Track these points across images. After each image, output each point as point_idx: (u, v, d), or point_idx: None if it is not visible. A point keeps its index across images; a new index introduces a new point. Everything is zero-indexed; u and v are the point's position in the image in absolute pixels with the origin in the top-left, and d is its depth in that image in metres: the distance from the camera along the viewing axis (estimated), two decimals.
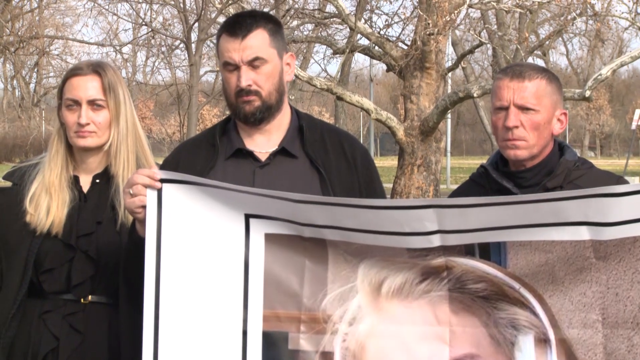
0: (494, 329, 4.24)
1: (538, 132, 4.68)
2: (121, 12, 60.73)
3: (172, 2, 49.69)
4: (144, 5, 55.05)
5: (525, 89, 4.69)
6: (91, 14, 62.04)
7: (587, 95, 24.85)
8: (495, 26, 31.19)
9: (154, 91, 68.26)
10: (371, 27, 30.61)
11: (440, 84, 27.45)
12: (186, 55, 56.95)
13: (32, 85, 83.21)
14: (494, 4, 27.51)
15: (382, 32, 29.27)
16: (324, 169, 4.81)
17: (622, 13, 31.77)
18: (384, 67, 28.85)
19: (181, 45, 56.09)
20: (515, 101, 4.67)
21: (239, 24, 4.84)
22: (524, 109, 4.66)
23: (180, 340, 4.39)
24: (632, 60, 28.82)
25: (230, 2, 31.68)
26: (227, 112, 5.02)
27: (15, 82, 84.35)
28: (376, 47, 28.22)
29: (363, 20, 31.17)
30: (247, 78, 4.76)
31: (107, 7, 56.40)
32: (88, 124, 4.80)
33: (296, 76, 22.46)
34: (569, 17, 29.51)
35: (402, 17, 31.96)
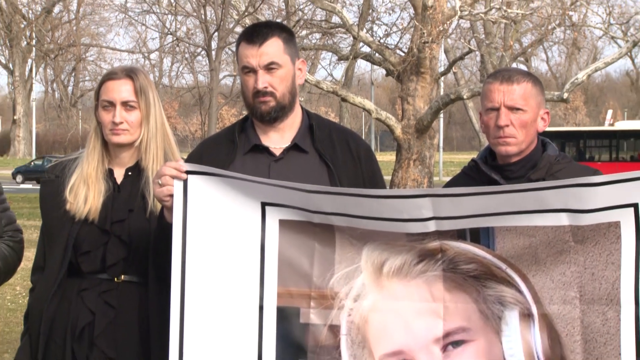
0: (483, 305, 4.25)
1: (526, 129, 4.70)
2: (149, 23, 61.21)
3: (195, 14, 49.78)
4: (169, 16, 55.37)
5: (514, 91, 4.69)
6: (122, 24, 62.35)
7: (565, 97, 24.97)
8: (483, 35, 31.19)
9: (178, 93, 68.41)
10: (372, 36, 30.68)
11: (434, 87, 27.50)
12: (207, 61, 57.20)
13: (70, 88, 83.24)
14: (482, 15, 27.53)
15: (382, 41, 29.36)
16: (331, 163, 4.81)
17: (597, 24, 31.91)
18: (384, 72, 28.83)
19: (202, 52, 56.30)
20: (506, 102, 4.67)
21: (257, 33, 4.84)
22: (513, 109, 4.67)
23: (204, 315, 4.40)
24: (605, 65, 28.98)
25: (246, 14, 31.73)
26: (245, 112, 5.02)
27: (55, 85, 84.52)
28: (377, 54, 28.24)
29: (365, 30, 31.28)
30: (263, 81, 4.76)
31: (136, 18, 56.84)
32: (122, 122, 4.82)
33: (305, 80, 22.44)
34: (549, 27, 29.55)
35: (400, 27, 32.08)
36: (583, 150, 47.54)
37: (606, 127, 53.45)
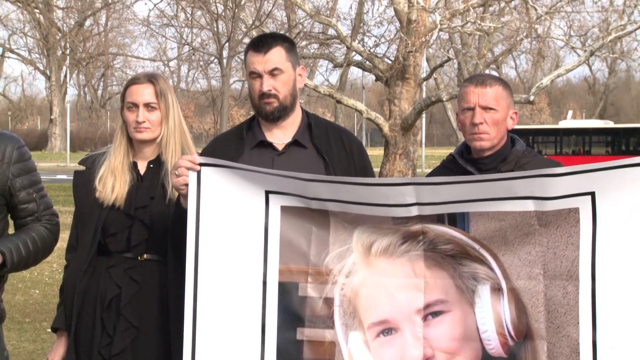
0: (459, 280, 4.26)
1: (497, 127, 4.71)
2: (168, 35, 60.99)
3: (208, 27, 49.55)
4: (186, 29, 55.23)
5: (487, 93, 4.70)
6: (145, 36, 62.15)
7: (531, 100, 24.95)
8: (460, 45, 31.16)
9: (193, 96, 68.45)
10: (363, 46, 30.55)
11: (417, 91, 27.46)
12: (219, 68, 56.92)
13: (99, 92, 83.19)
14: (459, 28, 27.49)
15: (371, 50, 29.24)
16: (327, 157, 4.83)
17: (559, 36, 31.74)
18: (373, 77, 28.82)
19: (215, 60, 56.04)
20: (480, 103, 4.68)
21: (262, 42, 4.87)
22: (486, 109, 4.68)
23: (214, 289, 4.40)
24: (566, 72, 29.03)
25: (253, 27, 31.70)
26: (252, 112, 5.03)
27: (86, 89, 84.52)
28: (367, 62, 28.18)
29: (357, 41, 31.17)
30: (267, 84, 4.78)
31: (157, 30, 56.59)
32: (144, 121, 4.83)
33: (305, 85, 22.44)
34: (518, 39, 29.46)
35: (387, 38, 31.94)
36: (532, 145, 47.68)
37: (551, 126, 53.97)
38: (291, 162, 4.76)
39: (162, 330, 4.73)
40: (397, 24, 27.25)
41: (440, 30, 26.44)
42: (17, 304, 13.01)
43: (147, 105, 4.85)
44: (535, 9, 28.11)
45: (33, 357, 9.73)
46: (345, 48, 29.73)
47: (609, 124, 55.67)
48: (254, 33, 27.23)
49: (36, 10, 46.13)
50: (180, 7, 47.06)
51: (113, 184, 4.83)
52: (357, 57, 29.36)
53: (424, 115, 29.90)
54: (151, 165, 4.92)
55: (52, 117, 72.25)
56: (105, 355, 4.75)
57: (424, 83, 28.69)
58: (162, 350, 4.70)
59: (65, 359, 4.86)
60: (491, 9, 27.99)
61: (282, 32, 28.99)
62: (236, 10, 35.52)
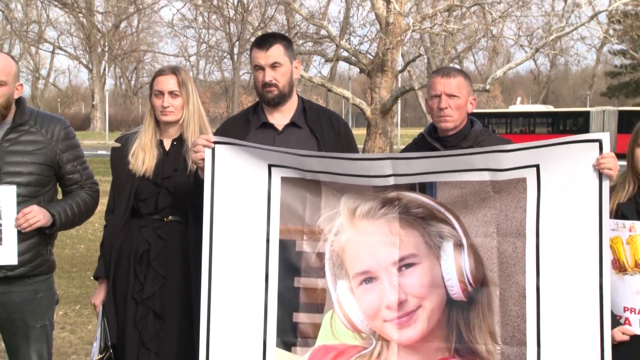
0: (428, 238, 4.26)
1: (459, 111, 4.69)
2: (189, 35, 60.85)
3: (222, 28, 49.48)
4: (203, 30, 55.10)
5: (451, 83, 4.69)
6: (170, 35, 61.94)
7: (487, 88, 25.02)
8: (429, 43, 31.09)
9: (209, 86, 68.31)
10: (349, 44, 30.49)
11: (394, 81, 27.40)
12: (230, 63, 56.95)
13: (132, 82, 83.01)
14: (428, 29, 27.46)
15: (356, 48, 29.17)
16: (319, 136, 4.82)
17: (510, 35, 31.70)
18: (358, 70, 28.72)
19: (227, 56, 56.14)
20: (445, 91, 4.67)
21: (264, 41, 4.86)
22: (450, 96, 4.66)
23: (226, 244, 4.39)
24: (516, 65, 29.12)
25: (259, 28, 31.60)
26: (257, 99, 5.00)
27: (121, 80, 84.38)
28: (353, 57, 28.09)
29: (344, 40, 31.07)
30: (269, 76, 4.77)
31: (180, 31, 56.32)
32: (169, 106, 4.82)
33: (301, 76, 22.39)
34: (476, 38, 29.43)
35: (369, 38, 31.92)
36: (487, 125, 48.11)
37: (503, 110, 54.12)
38: (289, 140, 4.75)
39: (184, 278, 4.72)
40: (378, 26, 27.19)
41: (413, 31, 26.40)
42: (66, 257, 13.03)
43: (171, 93, 4.84)
44: (491, 14, 28.08)
45: (79, 300, 9.75)
46: (334, 46, 29.68)
47: (550, 108, 55.65)
48: (259, 33, 27.18)
49: (80, 15, 46.05)
50: (198, 12, 47.01)
51: (143, 158, 4.82)
52: (345, 53, 29.32)
53: (399, 101, 29.81)
54: (174, 143, 4.90)
55: (93, 103, 72.17)
56: (138, 299, 4.76)
57: (399, 75, 28.63)
58: (185, 295, 4.70)
59: (105, 301, 4.86)
60: (455, 13, 27.96)
61: (282, 32, 28.98)
62: (245, 14, 35.50)
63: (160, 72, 4.96)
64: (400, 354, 4.27)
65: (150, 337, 4.74)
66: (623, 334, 4.33)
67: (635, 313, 4.36)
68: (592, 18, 27.80)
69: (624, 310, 4.37)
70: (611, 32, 37.69)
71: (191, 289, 4.62)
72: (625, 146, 4.56)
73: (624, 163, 4.44)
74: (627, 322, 4.37)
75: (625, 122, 43.72)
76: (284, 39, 4.95)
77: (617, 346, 4.19)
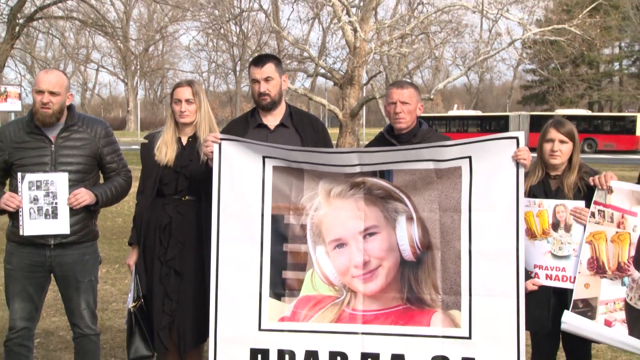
0: (386, 213, 4.26)
1: (410, 115, 4.69)
2: (202, 56, 60.61)
3: (227, 51, 49.26)
4: (213, 52, 54.98)
5: (404, 93, 4.68)
6: (187, 56, 61.53)
7: (431, 97, 25.02)
8: (387, 63, 31.12)
9: (217, 95, 68.22)
10: (326, 63, 30.44)
11: (360, 92, 27.42)
12: (234, 77, 56.72)
13: (158, 93, 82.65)
14: (386, 52, 27.41)
15: (331, 66, 29.17)
16: (302, 134, 4.81)
17: (448, 57, 31.73)
18: (332, 83, 28.72)
19: (231, 72, 55.94)
20: (399, 99, 4.66)
21: (260, 60, 4.84)
22: (403, 103, 4.65)
23: (230, 218, 4.38)
24: (453, 80, 29.13)
25: (256, 51, 31.48)
26: (254, 105, 4.98)
27: (149, 91, 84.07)
28: (328, 73, 28.07)
29: (322, 60, 31.00)
30: (263, 87, 4.76)
31: (194, 53, 56.04)
32: (185, 111, 4.79)
33: (288, 87, 22.40)
34: (423, 59, 29.46)
35: (341, 58, 31.86)
36: (431, 126, 48.21)
37: (443, 114, 54.15)
38: (279, 137, 4.74)
39: (198, 244, 4.69)
40: (347, 49, 27.17)
41: (374, 53, 26.41)
42: (107, 227, 13.00)
43: (187, 101, 4.80)
44: (434, 41, 28.11)
45: (118, 261, 9.76)
46: (314, 65, 29.64)
47: (479, 113, 55.81)
48: (256, 54, 27.26)
49: (118, 41, 45.85)
50: (209, 38, 46.67)
51: (166, 152, 4.79)
52: (322, 70, 29.33)
53: (364, 107, 29.81)
54: (190, 139, 4.86)
55: (128, 109, 71.91)
56: (162, 260, 4.74)
57: (364, 87, 28.63)
58: (198, 257, 4.67)
59: (137, 262, 4.84)
60: (406, 40, 27.92)
61: (274, 54, 29.03)
62: (245, 40, 35.30)
63: (179, 85, 4.92)
64: (365, 302, 4.28)
65: (172, 290, 4.73)
66: (533, 285, 4.35)
67: (542, 269, 4.40)
68: (510, 44, 27.99)
69: (534, 267, 4.41)
70: (524, 55, 37.89)
71: (203, 253, 4.59)
72: (536, 142, 4.59)
73: (535, 155, 4.45)
74: (536, 276, 4.41)
75: (535, 123, 43.88)
76: (275, 59, 4.93)
77: (528, 294, 4.21)
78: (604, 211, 4.31)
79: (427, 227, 4.24)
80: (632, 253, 4.22)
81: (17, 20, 32.54)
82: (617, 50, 62.65)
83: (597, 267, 4.29)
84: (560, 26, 26.52)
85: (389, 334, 4.25)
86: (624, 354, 5.91)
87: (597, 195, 4.33)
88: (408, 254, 4.24)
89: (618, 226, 4.26)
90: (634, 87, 53.34)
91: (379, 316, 4.26)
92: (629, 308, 4.21)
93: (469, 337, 4.18)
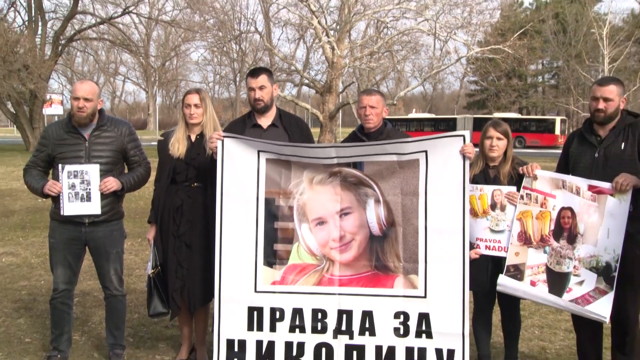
0: (358, 196, 4.25)
1: (378, 117, 4.67)
2: (208, 69, 60.12)
3: (229, 65, 48.92)
4: (217, 66, 54.60)
5: (372, 99, 4.66)
6: (196, 70, 61.11)
7: (394, 103, 25.05)
8: (359, 75, 31.13)
9: (221, 101, 67.69)
10: (309, 75, 30.36)
11: (337, 99, 27.32)
12: (235, 87, 56.39)
13: (173, 99, 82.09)
14: (358, 66, 27.38)
15: (314, 77, 29.09)
16: (290, 132, 4.76)
17: (408, 70, 31.72)
18: (314, 91, 28.66)
19: (232, 82, 55.55)
20: (369, 104, 4.64)
21: (255, 72, 4.79)
22: (372, 107, 4.63)
23: (231, 201, 4.35)
24: (412, 89, 29.21)
25: (252, 65, 31.30)
26: (250, 109, 4.94)
27: (166, 98, 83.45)
28: (311, 83, 27.99)
29: (306, 72, 30.90)
30: (258, 94, 4.71)
31: (202, 67, 55.54)
32: (194, 114, 4.73)
33: (278, 94, 22.36)
34: (388, 72, 29.47)
35: (322, 71, 31.75)
36: (395, 126, 48.51)
37: (405, 116, 53.95)
38: (270, 135, 4.68)
39: (205, 223, 4.63)
40: (326, 64, 27.08)
41: (348, 67, 26.39)
42: (131, 208, 12.83)
43: (195, 105, 4.74)
44: (396, 57, 28.08)
45: (140, 235, 9.67)
46: (299, 76, 29.55)
47: (432, 115, 56.01)
48: (252, 68, 27.16)
49: (140, 57, 45.70)
50: (214, 55, 46.34)
51: (178, 147, 4.73)
52: (306, 81, 29.21)
53: (340, 111, 29.79)
54: (198, 137, 4.80)
55: (149, 112, 71.43)
56: (175, 235, 4.69)
57: (340, 94, 28.58)
58: (205, 233, 4.62)
59: (155, 237, 4.78)
60: (374, 56, 27.87)
61: (266, 67, 28.99)
62: (243, 56, 35.15)
63: (188, 92, 4.86)
64: (341, 269, 4.27)
65: (183, 259, 4.69)
66: (475, 254, 4.36)
67: (482, 241, 4.42)
68: (457, 61, 28.16)
69: (476, 240, 4.41)
70: (468, 69, 38.04)
71: (209, 229, 4.55)
72: (478, 139, 4.60)
73: (478, 149, 4.46)
74: (477, 247, 4.41)
75: (477, 124, 44.07)
76: (267, 71, 4.88)
77: (472, 261, 4.22)
78: (530, 194, 4.33)
79: (391, 208, 4.23)
80: (552, 227, 4.25)
81: (60, 42, 33.30)
82: (540, 67, 63.08)
83: (525, 239, 4.32)
84: (496, 46, 26.68)
85: (360, 295, 4.25)
86: (544, 307, 5.96)
87: (525, 182, 4.36)
88: (376, 230, 4.23)
89: (541, 206, 4.29)
90: (553, 96, 53.71)
91: (352, 280, 4.26)
92: (549, 271, 4.25)
93: (425, 297, 4.19)
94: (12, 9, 34.50)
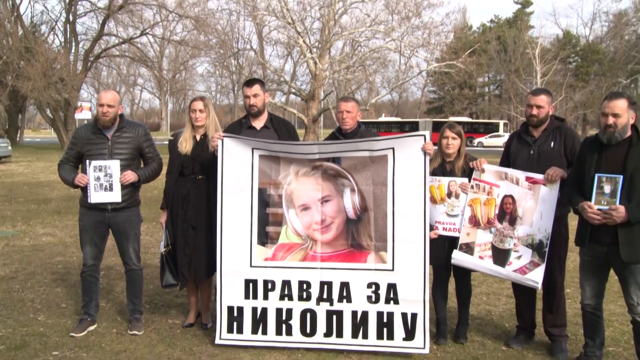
0: (337, 186, 4.22)
1: (353, 120, 4.63)
2: (211, 80, 59.57)
3: (229, 77, 48.56)
4: (218, 78, 54.18)
5: (349, 105, 4.62)
6: (201, 80, 60.59)
7: (367, 108, 24.93)
8: (337, 84, 31.11)
9: (221, 107, 67.14)
10: (296, 84, 30.24)
11: (319, 105, 27.23)
12: (233, 95, 55.99)
13: (182, 105, 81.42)
14: (337, 78, 27.28)
15: (300, 87, 28.96)
16: (279, 133, 4.70)
17: (379, 81, 31.71)
18: (300, 98, 28.54)
19: (231, 92, 55.12)
20: (345, 109, 4.60)
21: (250, 82, 4.75)
22: (348, 112, 4.59)
23: (230, 191, 4.31)
24: (382, 97, 29.20)
25: (248, 77, 31.11)
26: (246, 113, 4.88)
27: (176, 104, 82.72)
28: (297, 92, 27.87)
29: (293, 82, 30.76)
30: (252, 100, 4.67)
31: (207, 79, 55.00)
32: (198, 117, 4.67)
33: (270, 101, 22.25)
34: (361, 82, 29.44)
35: (306, 82, 31.63)
36: (367, 127, 48.59)
37: (375, 120, 53.76)
38: (263, 135, 4.62)
39: (208, 208, 4.57)
40: (310, 76, 26.98)
41: (328, 78, 26.27)
42: (147, 197, 12.56)
43: (200, 110, 4.68)
44: (368, 70, 28.05)
45: (154, 220, 9.54)
46: (287, 86, 29.41)
47: (399, 119, 56.15)
48: (248, 79, 26.99)
49: (155, 70, 45.40)
50: (216, 68, 46.06)
51: (185, 145, 4.66)
52: (293, 90, 29.07)
53: (322, 115, 29.73)
54: (202, 137, 4.73)
55: (162, 116, 70.70)
56: (183, 219, 4.63)
57: (322, 101, 28.49)
58: (209, 217, 4.55)
59: (166, 220, 4.73)
60: (350, 69, 27.83)
61: (260, 78, 28.81)
62: (240, 70, 34.90)
63: (194, 99, 4.79)
64: (322, 247, 4.24)
65: (190, 239, 4.64)
66: (434, 234, 4.35)
67: (440, 224, 4.39)
68: (418, 74, 28.18)
69: (435, 222, 4.39)
70: (428, 80, 38.22)
71: (211, 214, 4.50)
72: (437, 139, 4.58)
73: (436, 147, 4.45)
74: (436, 228, 4.39)
75: (436, 126, 44.25)
76: (260, 81, 4.83)
77: (431, 241, 4.22)
78: (479, 184, 4.34)
79: (364, 195, 4.20)
80: (496, 212, 4.27)
81: (89, 58, 34.49)
82: (486, 79, 63.43)
83: (474, 222, 4.33)
84: (451, 62, 26.78)
85: (339, 269, 4.23)
86: (490, 278, 6.00)
87: (475, 174, 4.36)
88: (351, 214, 4.20)
89: (488, 194, 4.30)
90: (497, 104, 54.09)
91: (332, 256, 4.24)
92: (493, 248, 4.27)
93: (392, 270, 4.18)
94: (52, 32, 36.66)
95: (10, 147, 24.98)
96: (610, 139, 3.69)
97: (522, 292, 4.49)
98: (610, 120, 3.68)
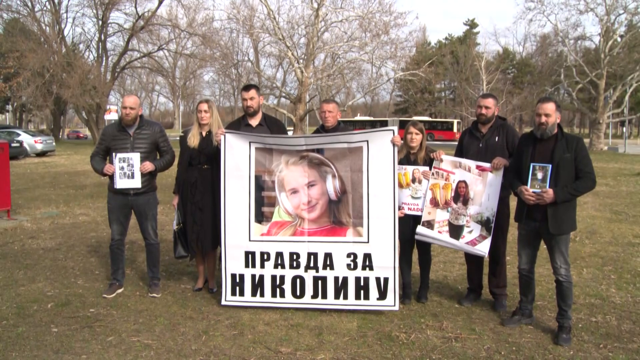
0: (321, 173, 4.18)
1: (334, 118, 4.57)
2: (215, 87, 58.79)
3: (230, 84, 47.99)
4: (222, 84, 53.41)
5: (330, 106, 4.57)
6: (207, 86, 59.80)
7: (345, 109, 24.78)
8: (320, 89, 30.91)
9: (224, 108, 66.43)
10: (286, 89, 30.01)
11: (305, 106, 27.07)
12: (234, 99, 55.37)
13: (191, 107, 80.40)
14: (320, 84, 27.11)
15: (289, 91, 28.74)
16: (271, 129, 4.63)
17: (354, 87, 31.58)
18: (289, 101, 28.35)
19: (232, 96, 54.47)
20: (327, 110, 4.55)
21: (248, 87, 4.68)
22: (329, 112, 4.54)
23: (231, 178, 4.26)
24: (357, 100, 28.83)
25: (246, 83, 30.78)
26: (243, 113, 4.80)
27: (186, 106, 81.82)
28: (287, 95, 27.68)
29: (283, 88, 30.51)
30: (249, 102, 4.60)
31: (212, 85, 54.18)
32: (204, 117, 4.59)
33: (264, 103, 22.07)
34: (340, 87, 29.30)
35: (294, 87, 31.39)
36: (346, 124, 48.13)
37: (352, 119, 53.42)
38: (258, 131, 4.55)
39: (213, 192, 4.51)
40: (297, 82, 26.82)
41: (313, 84, 26.09)
42: (162, 183, 12.20)
43: (205, 111, 4.61)
44: (346, 78, 27.89)
45: (168, 202, 9.37)
46: (279, 90, 29.18)
47: (372, 118, 56.03)
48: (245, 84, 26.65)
49: (169, 78, 45.10)
50: (219, 76, 45.49)
51: (193, 140, 4.58)
52: (283, 94, 28.85)
53: (308, 115, 29.60)
54: (207, 133, 4.65)
55: (175, 117, 69.89)
56: (191, 202, 4.57)
57: (307, 103, 28.34)
58: (213, 200, 4.50)
59: (178, 203, 4.67)
60: (331, 77, 27.67)
61: (255, 84, 28.35)
62: (240, 78, 34.59)
63: (200, 102, 4.71)
64: (309, 224, 4.21)
65: (197, 218, 4.58)
66: (402, 213, 4.34)
67: (406, 205, 4.37)
68: (387, 81, 28.05)
69: (402, 204, 4.37)
70: (395, 86, 38.18)
71: (216, 197, 4.44)
72: (403, 134, 4.55)
73: (402, 141, 4.42)
74: (402, 208, 4.37)
75: (402, 124, 44.14)
76: (256, 87, 4.75)
77: (400, 219, 4.21)
78: (438, 172, 4.32)
79: (344, 180, 4.16)
80: (452, 194, 4.26)
81: (116, 70, 35.22)
82: (443, 86, 63.64)
83: (434, 203, 4.32)
84: (414, 71, 26.81)
85: (323, 242, 4.21)
86: (446, 249, 6.01)
87: (435, 163, 4.35)
88: (333, 196, 4.17)
89: (445, 180, 4.29)
90: (452, 106, 54.48)
91: (317, 232, 4.21)
92: (450, 224, 4.27)
93: (368, 242, 4.17)
94: (87, 49, 38.47)
95: (54, 143, 26.24)
96: (542, 134, 3.72)
97: (472, 260, 4.54)
98: (543, 119, 3.70)
